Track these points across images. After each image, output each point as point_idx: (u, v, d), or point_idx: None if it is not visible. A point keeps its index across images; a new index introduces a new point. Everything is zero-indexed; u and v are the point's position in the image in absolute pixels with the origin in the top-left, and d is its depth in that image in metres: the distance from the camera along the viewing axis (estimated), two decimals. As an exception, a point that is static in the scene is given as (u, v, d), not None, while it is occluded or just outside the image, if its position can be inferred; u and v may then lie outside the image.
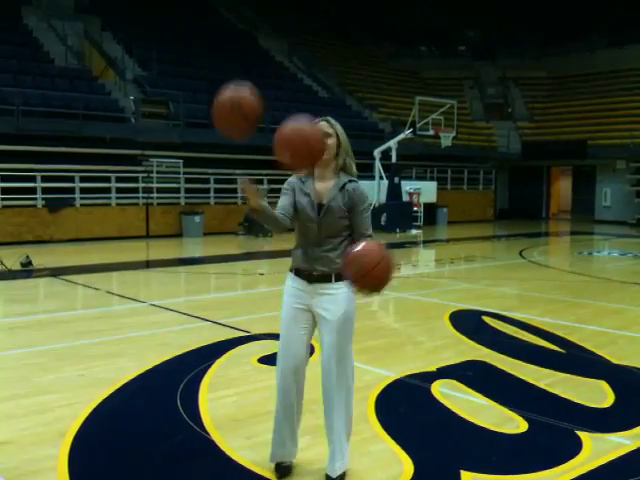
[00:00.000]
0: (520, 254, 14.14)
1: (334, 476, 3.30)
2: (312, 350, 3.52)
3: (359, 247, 2.95)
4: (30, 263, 10.96)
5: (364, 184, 3.46)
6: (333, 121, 3.28)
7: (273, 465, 3.42)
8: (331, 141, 3.22)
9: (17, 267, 10.73)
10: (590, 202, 26.15)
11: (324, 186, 3.28)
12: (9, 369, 5.34)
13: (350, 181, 3.28)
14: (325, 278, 3.24)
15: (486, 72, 31.50)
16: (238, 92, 2.90)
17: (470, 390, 4.77)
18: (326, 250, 3.24)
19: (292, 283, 3.34)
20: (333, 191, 3.24)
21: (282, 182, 3.51)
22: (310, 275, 3.25)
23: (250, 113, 2.90)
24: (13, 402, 4.49)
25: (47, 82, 17.87)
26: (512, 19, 31.88)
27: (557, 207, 29.59)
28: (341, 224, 3.24)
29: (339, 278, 3.22)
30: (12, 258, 10.90)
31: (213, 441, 3.83)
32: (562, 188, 30.01)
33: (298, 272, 3.30)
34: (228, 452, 3.68)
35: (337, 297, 3.25)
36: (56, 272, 10.60)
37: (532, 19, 31.73)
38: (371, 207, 3.41)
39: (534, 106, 29.93)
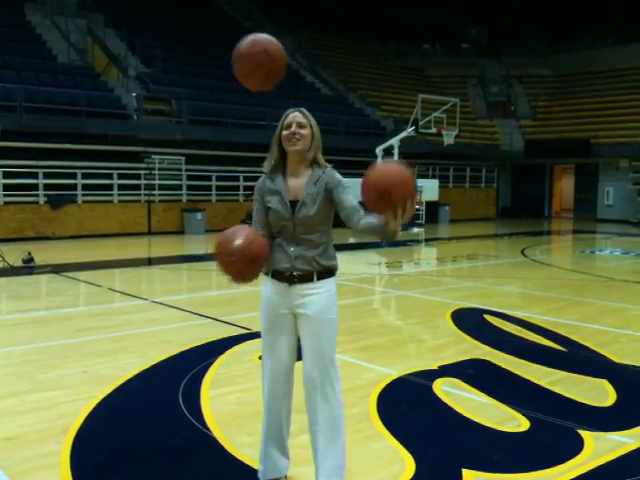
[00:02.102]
0: (522, 253, 14.14)
1: None
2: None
3: (377, 167, 2.77)
4: (32, 260, 10.97)
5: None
6: (307, 112, 3.10)
7: None
8: (305, 132, 3.02)
9: (19, 264, 10.75)
10: (592, 201, 26.14)
11: (298, 182, 3.08)
12: (12, 365, 5.35)
13: (324, 172, 3.09)
14: (307, 278, 3.04)
15: (490, 70, 31.47)
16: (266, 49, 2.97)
17: (472, 388, 4.77)
18: (306, 248, 3.04)
19: (270, 286, 3.12)
20: (308, 186, 3.05)
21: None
22: (290, 276, 3.04)
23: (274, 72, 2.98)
24: (16, 398, 4.50)
25: (50, 79, 17.90)
26: (516, 17, 31.89)
27: (559, 206, 29.56)
28: (318, 219, 3.04)
29: (321, 277, 3.07)
30: (14, 254, 10.92)
31: (215, 438, 3.83)
32: (565, 187, 29.99)
33: (276, 274, 3.08)
34: (230, 449, 3.69)
35: (319, 297, 3.05)
36: (58, 269, 10.62)
37: (537, 17, 31.73)
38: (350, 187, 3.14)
39: (537, 104, 29.90)
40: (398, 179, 2.69)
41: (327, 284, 3.09)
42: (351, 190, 3.08)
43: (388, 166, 2.82)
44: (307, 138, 3.04)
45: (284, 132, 3.03)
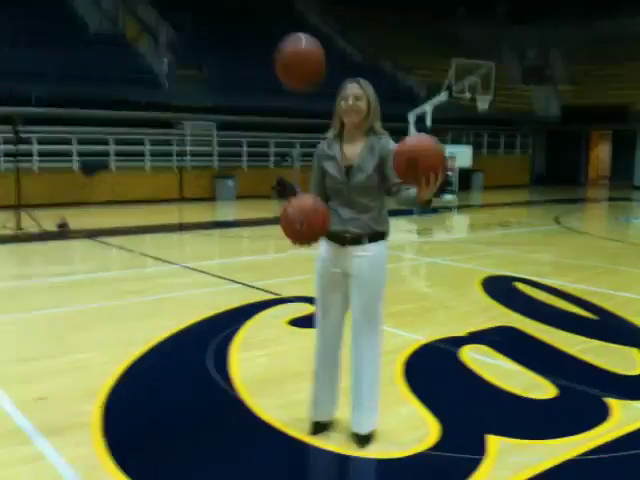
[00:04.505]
0: (556, 220, 13.94)
1: (362, 433, 3.34)
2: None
3: (407, 139, 2.95)
4: (66, 225, 11.14)
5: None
6: (364, 82, 3.22)
7: (309, 423, 3.47)
8: (361, 103, 3.18)
9: (53, 229, 10.92)
10: (630, 167, 25.56)
11: (353, 149, 3.24)
12: (46, 328, 5.48)
13: (379, 139, 3.23)
14: (358, 240, 3.23)
15: (526, 34, 30.70)
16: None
17: (500, 355, 4.75)
18: (358, 212, 3.22)
19: (325, 246, 3.33)
20: (363, 153, 3.21)
21: (314, 146, 3.53)
22: (344, 238, 3.24)
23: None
24: (50, 360, 4.62)
25: (82, 47, 17.95)
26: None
27: (596, 172, 28.99)
28: (372, 184, 3.20)
29: (372, 240, 3.24)
30: (48, 220, 11.10)
31: (243, 400, 3.89)
32: (601, 153, 29.37)
33: (331, 235, 3.26)
34: (257, 412, 3.74)
35: (370, 259, 3.24)
36: (91, 234, 10.77)
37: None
38: None
39: (575, 69, 29.14)
40: (426, 151, 2.87)
41: (377, 247, 3.27)
42: None
43: (418, 138, 3.00)
44: (363, 109, 3.19)
45: (341, 103, 3.20)
